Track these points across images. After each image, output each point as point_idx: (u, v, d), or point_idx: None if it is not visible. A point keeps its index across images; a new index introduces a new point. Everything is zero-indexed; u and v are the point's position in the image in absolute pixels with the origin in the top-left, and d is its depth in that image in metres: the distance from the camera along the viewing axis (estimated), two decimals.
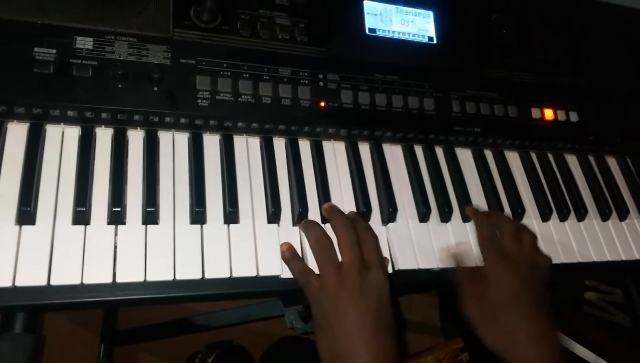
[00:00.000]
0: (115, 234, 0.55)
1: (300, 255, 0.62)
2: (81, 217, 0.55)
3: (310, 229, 0.62)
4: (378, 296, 0.58)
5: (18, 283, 0.50)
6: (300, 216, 0.63)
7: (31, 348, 0.55)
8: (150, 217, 0.57)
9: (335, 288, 0.58)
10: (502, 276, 0.63)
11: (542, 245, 0.72)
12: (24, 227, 0.53)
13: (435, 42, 0.76)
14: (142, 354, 1.33)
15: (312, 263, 0.61)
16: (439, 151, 0.76)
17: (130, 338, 1.28)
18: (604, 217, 0.81)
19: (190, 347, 0.91)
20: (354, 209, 0.67)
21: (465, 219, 0.72)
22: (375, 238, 0.63)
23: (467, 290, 0.65)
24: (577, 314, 1.16)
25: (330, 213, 0.64)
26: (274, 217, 0.62)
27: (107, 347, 1.15)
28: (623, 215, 0.82)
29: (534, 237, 0.69)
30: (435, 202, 0.71)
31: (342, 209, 0.65)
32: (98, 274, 0.53)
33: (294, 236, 0.63)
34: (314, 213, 0.65)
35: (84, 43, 0.59)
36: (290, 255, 0.61)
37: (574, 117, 0.82)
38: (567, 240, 0.76)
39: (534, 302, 0.62)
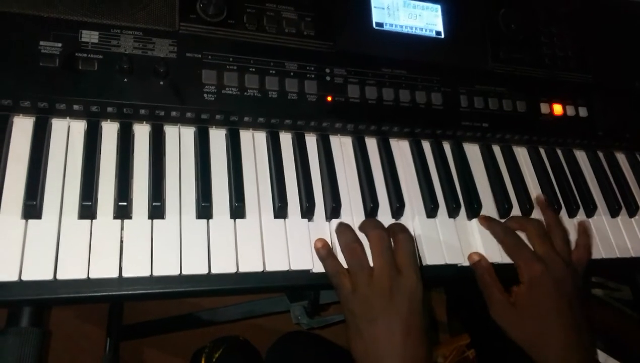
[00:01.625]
0: (122, 229, 0.55)
1: (309, 248, 0.61)
2: (87, 211, 0.54)
3: (342, 234, 0.62)
4: (409, 302, 0.57)
5: (24, 278, 0.50)
6: (307, 211, 0.63)
7: (37, 342, 0.55)
8: (157, 211, 0.57)
9: (367, 294, 0.57)
10: (536, 281, 0.62)
11: None
12: (30, 221, 0.53)
13: (443, 36, 0.75)
14: (148, 349, 1.33)
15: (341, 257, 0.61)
16: (447, 146, 0.76)
17: (136, 333, 1.29)
18: (613, 213, 0.80)
19: (196, 342, 0.91)
20: (361, 204, 0.66)
21: (472, 216, 0.71)
22: (409, 242, 0.61)
23: (495, 295, 0.64)
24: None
25: (363, 222, 0.64)
26: (280, 211, 0.62)
27: (113, 341, 1.15)
28: (633, 211, 0.81)
29: (564, 232, 0.67)
30: (443, 198, 0.71)
31: (348, 204, 0.65)
32: (104, 269, 0.53)
33: (301, 230, 0.62)
34: (320, 209, 0.64)
35: (90, 37, 0.58)
36: (325, 253, 0.60)
37: (583, 112, 0.81)
38: (575, 237, 0.75)
39: (571, 305, 0.61)
